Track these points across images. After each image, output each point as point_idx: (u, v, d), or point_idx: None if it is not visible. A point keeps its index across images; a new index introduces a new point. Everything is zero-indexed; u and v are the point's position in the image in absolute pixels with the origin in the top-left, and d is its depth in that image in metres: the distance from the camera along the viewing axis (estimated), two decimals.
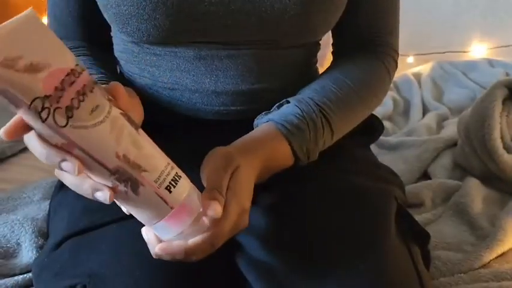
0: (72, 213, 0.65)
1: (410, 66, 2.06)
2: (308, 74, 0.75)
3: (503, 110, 1.04)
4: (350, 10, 0.68)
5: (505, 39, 2.00)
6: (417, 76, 1.76)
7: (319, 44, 0.76)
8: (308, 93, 0.65)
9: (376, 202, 0.64)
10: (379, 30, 0.74)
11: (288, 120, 0.61)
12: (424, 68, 1.84)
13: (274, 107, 0.65)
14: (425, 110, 1.56)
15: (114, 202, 0.45)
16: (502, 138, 1.01)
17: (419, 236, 0.67)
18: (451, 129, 1.30)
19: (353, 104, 0.67)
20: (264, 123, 0.63)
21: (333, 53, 0.78)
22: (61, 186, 0.72)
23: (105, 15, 0.65)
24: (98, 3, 0.65)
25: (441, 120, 1.45)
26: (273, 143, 0.60)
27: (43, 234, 0.82)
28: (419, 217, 0.93)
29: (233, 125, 0.67)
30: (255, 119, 0.65)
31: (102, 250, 0.57)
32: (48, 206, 0.77)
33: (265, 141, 0.60)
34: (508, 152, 1.00)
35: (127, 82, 0.72)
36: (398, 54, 0.76)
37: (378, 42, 0.74)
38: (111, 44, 0.75)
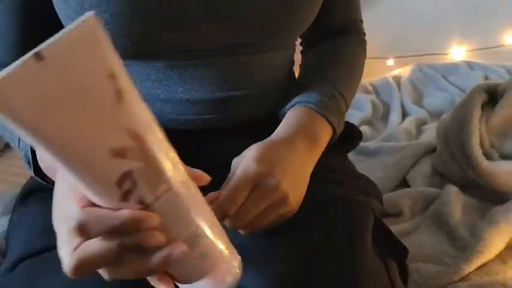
0: (30, 231, 0.61)
1: (390, 69, 2.05)
2: (286, 78, 0.73)
3: (482, 115, 1.02)
4: (326, 4, 0.69)
5: (483, 41, 2.01)
6: (397, 79, 1.75)
7: (295, 46, 0.75)
8: (313, 78, 0.69)
9: (354, 215, 0.61)
10: (351, 19, 0.79)
11: (310, 99, 0.65)
12: (404, 71, 1.82)
13: (289, 105, 0.67)
14: (404, 114, 1.54)
15: None
16: (481, 144, 0.99)
17: (396, 250, 0.64)
18: (430, 134, 1.29)
19: (350, 76, 0.73)
20: (290, 110, 0.65)
21: (304, 46, 0.81)
22: (22, 200, 0.68)
23: None
24: (60, 17, 0.59)
25: (420, 125, 1.43)
26: (310, 120, 0.63)
27: (2, 252, 0.77)
28: (398, 227, 0.91)
29: (211, 133, 0.64)
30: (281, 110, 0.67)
31: (61, 273, 0.53)
32: (8, 222, 0.72)
33: (303, 121, 0.63)
34: (488, 158, 0.98)
35: None
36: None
37: (351, 28, 0.79)
38: None
